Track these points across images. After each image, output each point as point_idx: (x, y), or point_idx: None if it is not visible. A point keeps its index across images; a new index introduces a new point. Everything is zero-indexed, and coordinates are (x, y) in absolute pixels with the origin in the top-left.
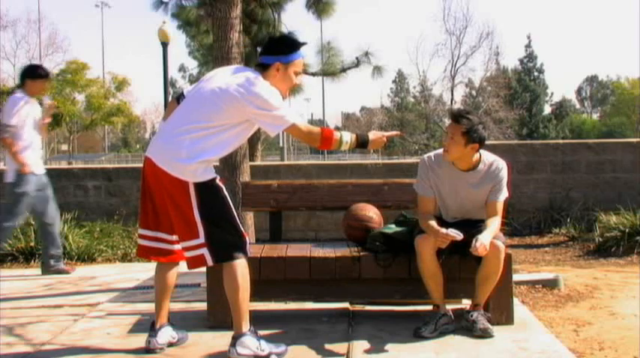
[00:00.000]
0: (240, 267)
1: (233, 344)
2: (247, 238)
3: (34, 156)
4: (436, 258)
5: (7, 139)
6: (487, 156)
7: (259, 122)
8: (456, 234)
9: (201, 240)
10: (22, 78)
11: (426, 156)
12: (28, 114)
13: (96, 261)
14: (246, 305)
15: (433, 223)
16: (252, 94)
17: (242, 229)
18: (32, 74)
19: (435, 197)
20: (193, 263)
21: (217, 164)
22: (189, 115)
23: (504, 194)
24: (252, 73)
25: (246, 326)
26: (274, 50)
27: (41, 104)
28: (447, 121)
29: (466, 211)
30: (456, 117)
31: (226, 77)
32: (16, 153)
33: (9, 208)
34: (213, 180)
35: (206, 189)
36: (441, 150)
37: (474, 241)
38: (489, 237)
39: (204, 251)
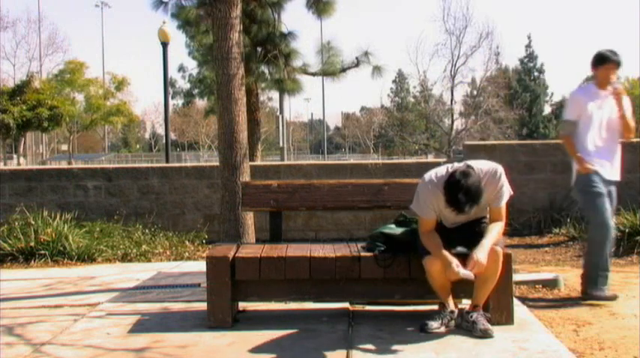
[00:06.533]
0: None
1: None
2: None
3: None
4: (444, 273)
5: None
6: (479, 166)
7: None
8: (467, 275)
9: None
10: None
11: (426, 179)
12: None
13: (96, 261)
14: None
15: (445, 254)
16: None
17: None
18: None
19: (436, 217)
20: None
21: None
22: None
23: (506, 198)
24: None
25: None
26: None
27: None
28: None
29: (466, 219)
30: (472, 203)
31: None
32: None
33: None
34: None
35: None
36: (440, 172)
37: (470, 257)
38: (486, 251)
39: None
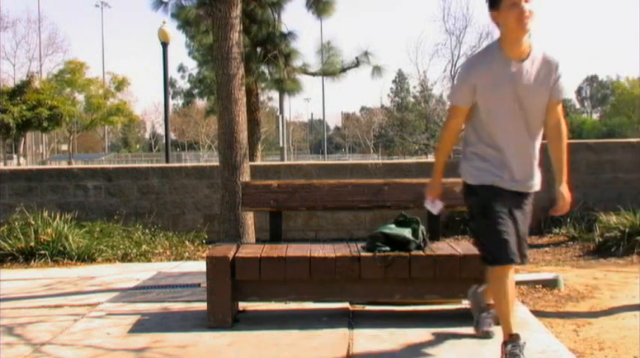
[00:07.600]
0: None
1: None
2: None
3: None
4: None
5: None
6: (539, 47)
7: None
8: (431, 208)
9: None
10: None
11: (471, 56)
12: None
13: (96, 261)
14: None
15: (439, 177)
16: None
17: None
18: None
19: (469, 107)
20: None
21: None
22: None
23: (564, 92)
24: None
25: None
26: None
27: None
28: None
29: (523, 133)
30: None
31: None
32: None
33: None
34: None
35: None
36: (485, 48)
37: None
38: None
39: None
